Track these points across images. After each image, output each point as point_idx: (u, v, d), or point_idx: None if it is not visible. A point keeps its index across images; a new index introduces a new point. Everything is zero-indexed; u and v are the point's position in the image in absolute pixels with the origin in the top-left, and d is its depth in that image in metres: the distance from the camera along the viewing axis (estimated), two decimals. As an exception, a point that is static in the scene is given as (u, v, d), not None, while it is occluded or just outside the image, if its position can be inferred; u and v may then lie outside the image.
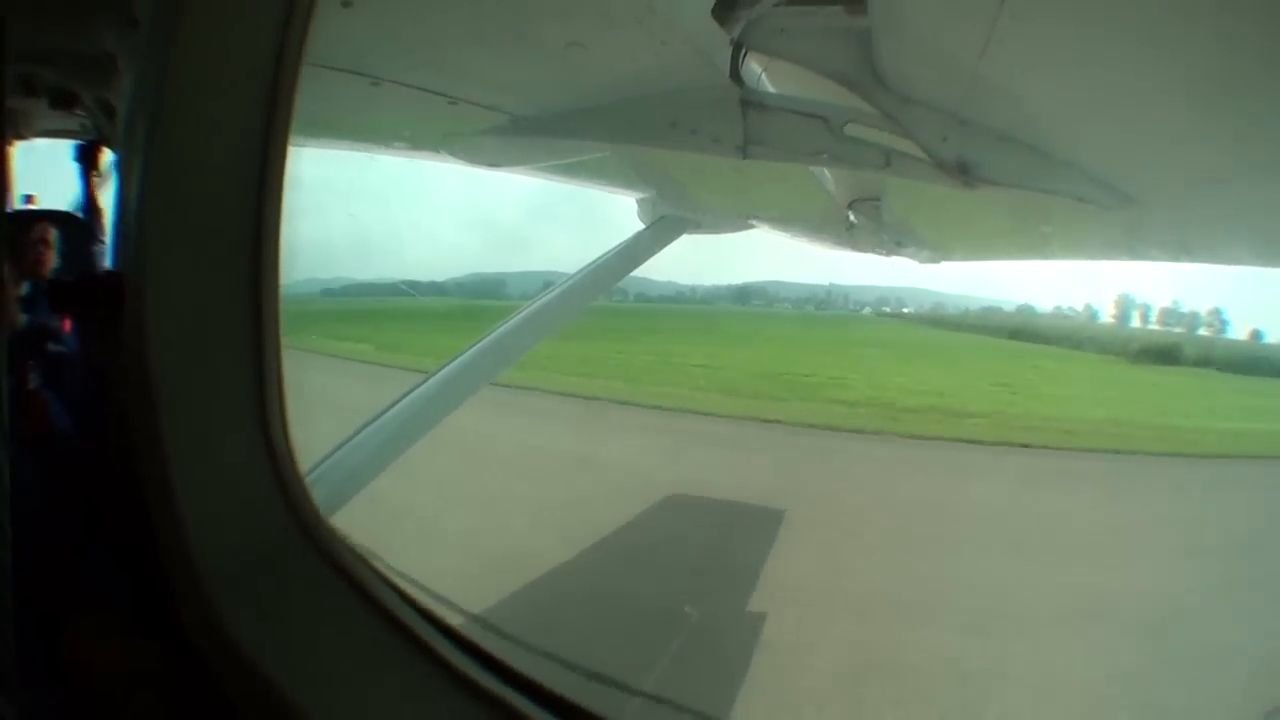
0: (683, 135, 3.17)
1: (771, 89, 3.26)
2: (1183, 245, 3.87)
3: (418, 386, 4.18)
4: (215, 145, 1.38)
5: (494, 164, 4.04)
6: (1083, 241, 4.06)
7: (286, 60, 1.41)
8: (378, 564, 1.60)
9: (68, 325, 3.34)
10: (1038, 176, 3.19)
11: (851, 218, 4.35)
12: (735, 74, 3.11)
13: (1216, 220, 3.63)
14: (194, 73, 1.34)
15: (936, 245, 4.85)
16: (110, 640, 1.60)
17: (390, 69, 3.30)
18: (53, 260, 3.82)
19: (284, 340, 1.47)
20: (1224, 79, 2.87)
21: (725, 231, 4.97)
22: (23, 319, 3.22)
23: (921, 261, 5.06)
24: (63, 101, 3.88)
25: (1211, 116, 3.06)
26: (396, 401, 4.12)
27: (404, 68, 3.30)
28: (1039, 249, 4.46)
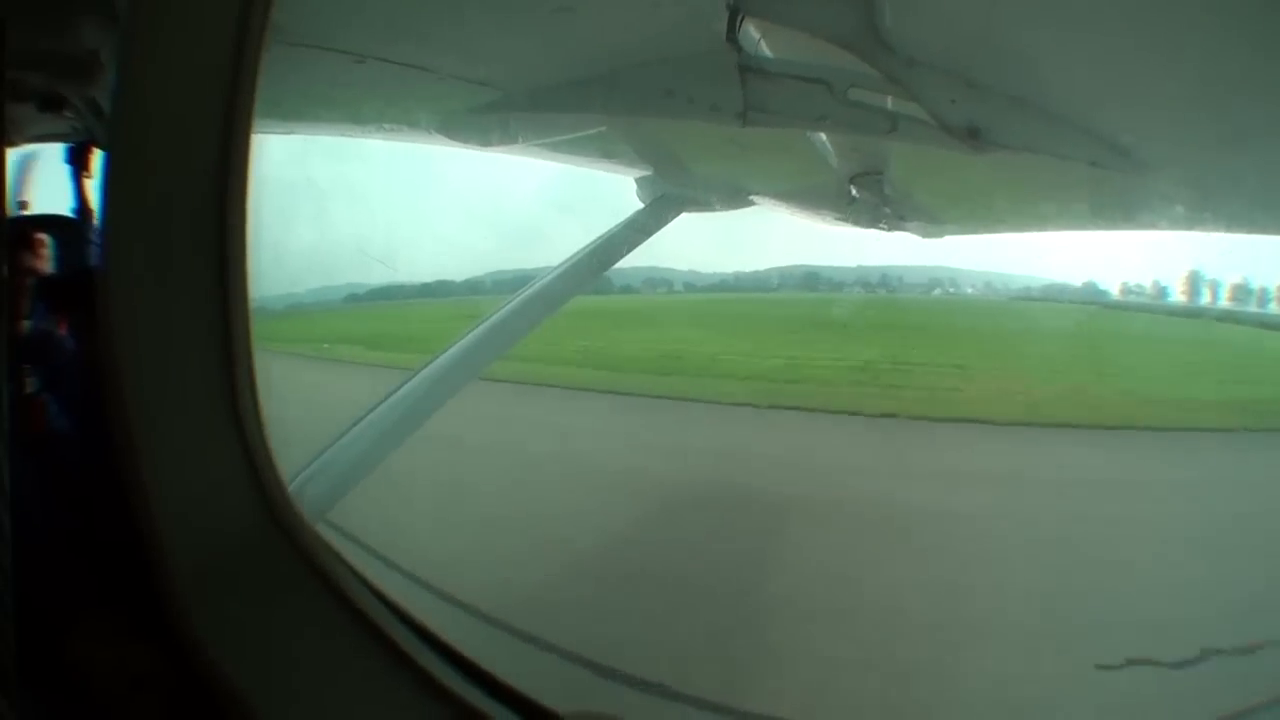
0: (680, 104, 3.07)
1: (770, 54, 3.14)
2: (1198, 212, 3.77)
3: (414, 376, 4.09)
4: (174, 134, 1.33)
5: (486, 143, 3.94)
6: (1095, 210, 3.96)
7: (248, 44, 1.34)
8: (357, 564, 1.54)
9: (63, 326, 3.31)
10: (1050, 140, 3.09)
11: (854, 192, 4.25)
12: (732, 39, 3.00)
13: (1233, 185, 3.53)
14: (152, 59, 1.30)
15: (941, 219, 4.75)
16: (109, 642, 1.60)
17: (373, 45, 3.20)
18: (47, 264, 3.78)
19: (254, 335, 1.41)
20: (1240, 40, 2.77)
21: (725, 209, 4.85)
22: (25, 324, 3.19)
23: (925, 236, 4.96)
24: (51, 104, 3.82)
25: (1227, 79, 2.97)
26: (394, 391, 4.04)
27: (388, 43, 3.20)
28: (1049, 219, 4.36)
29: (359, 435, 3.75)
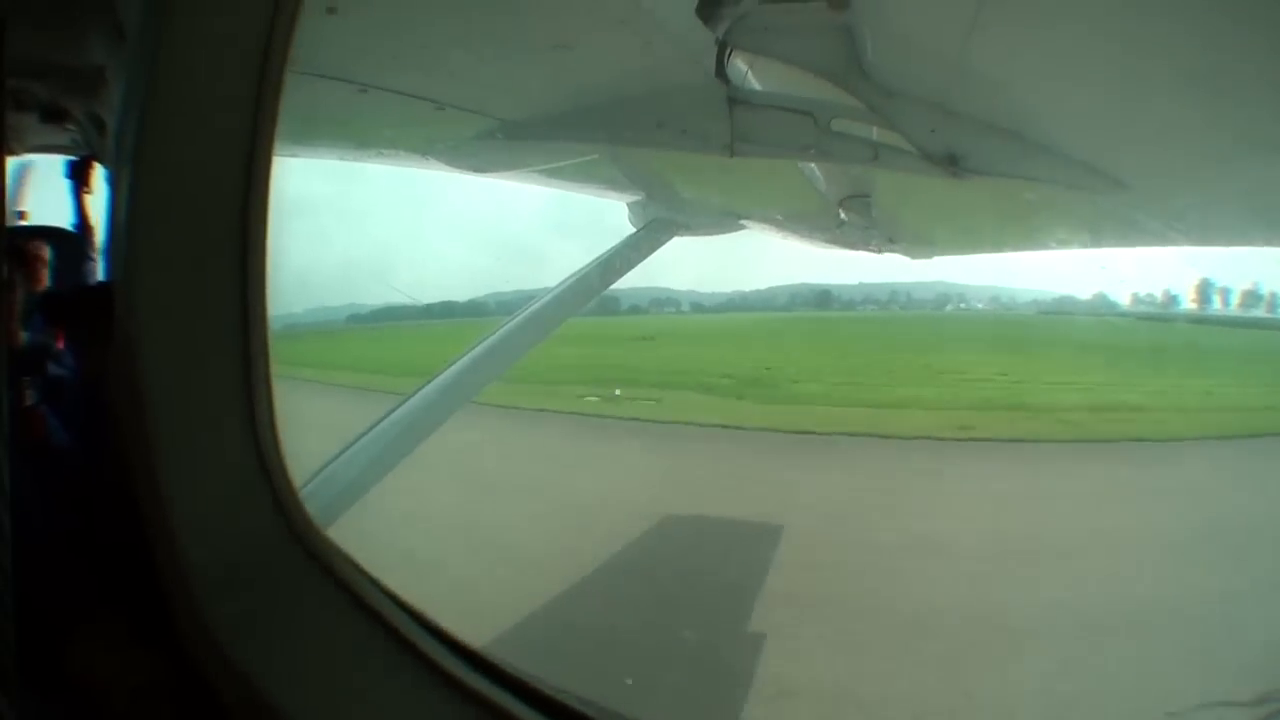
0: (670, 135, 3.18)
1: (758, 87, 3.25)
2: (1177, 229, 3.86)
3: (413, 395, 4.15)
4: (200, 154, 1.37)
5: (482, 169, 4.03)
6: (1075, 229, 4.06)
7: (271, 66, 1.38)
8: (372, 570, 1.57)
9: (60, 339, 3.33)
10: (1027, 165, 3.19)
11: (842, 215, 4.34)
12: (721, 72, 3.12)
13: (1210, 202, 3.62)
14: (178, 81, 1.33)
15: (929, 239, 4.84)
16: (112, 650, 1.60)
17: (376, 74, 3.29)
18: (46, 276, 3.80)
19: (272, 347, 1.45)
20: (1211, 61, 2.87)
21: (716, 233, 4.95)
22: (22, 335, 3.21)
23: (914, 257, 5.05)
24: (53, 116, 3.86)
25: (1200, 99, 3.06)
26: (394, 410, 4.10)
27: (390, 73, 3.29)
28: (1031, 239, 4.46)
29: (364, 448, 3.80)
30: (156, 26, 1.32)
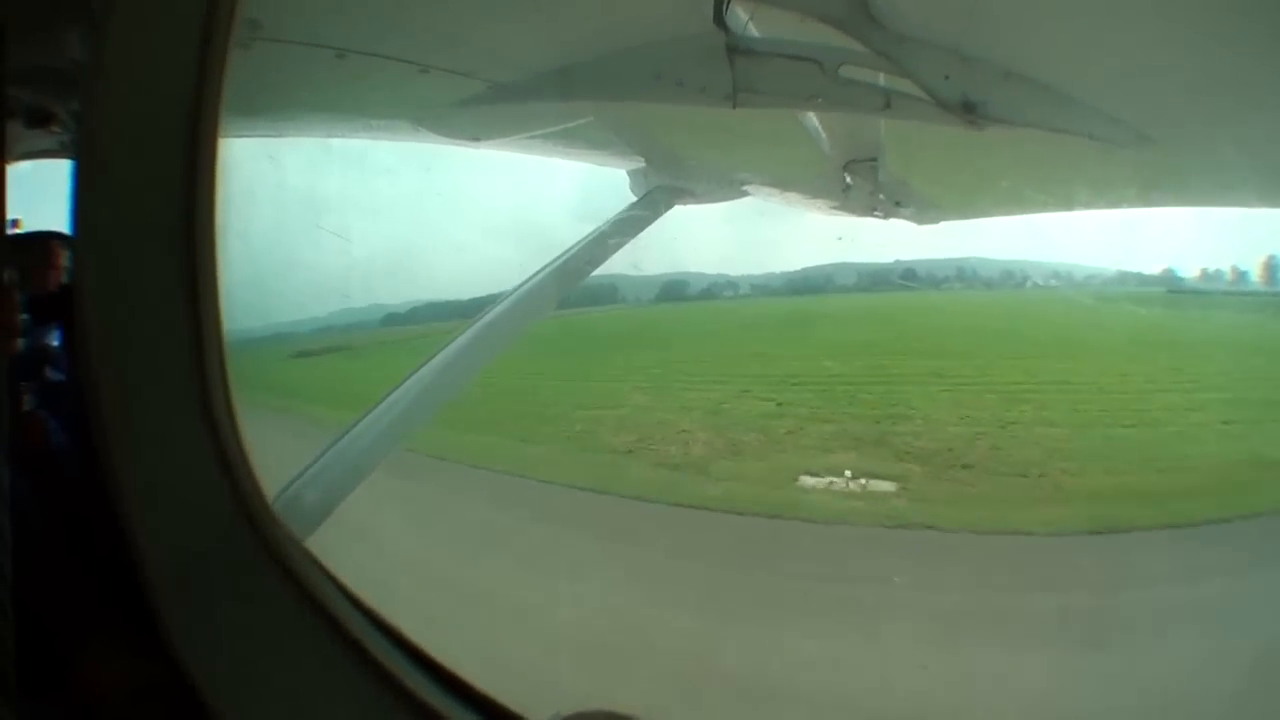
0: (668, 88, 3.03)
1: (759, 35, 3.09)
2: (1207, 186, 3.69)
3: (409, 378, 4.03)
4: (139, 142, 1.32)
5: (474, 137, 3.90)
6: (1098, 187, 3.88)
7: (214, 46, 1.32)
8: (341, 578, 1.50)
9: (57, 343, 3.28)
10: (1048, 114, 3.03)
11: (847, 179, 4.20)
12: (720, 20, 2.96)
13: (1243, 158, 3.45)
14: (114, 67, 1.29)
15: (937, 203, 4.68)
16: (110, 656, 1.59)
17: (355, 38, 3.15)
18: (45, 281, 3.75)
19: (227, 341, 1.39)
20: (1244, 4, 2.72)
21: (718, 200, 4.80)
22: (21, 341, 3.16)
23: (921, 222, 4.88)
24: (39, 119, 3.79)
25: (1233, 46, 2.90)
26: (388, 394, 3.98)
27: (369, 36, 3.16)
28: (1051, 200, 4.29)
29: (351, 442, 3.68)
30: (101, 14, 1.30)
